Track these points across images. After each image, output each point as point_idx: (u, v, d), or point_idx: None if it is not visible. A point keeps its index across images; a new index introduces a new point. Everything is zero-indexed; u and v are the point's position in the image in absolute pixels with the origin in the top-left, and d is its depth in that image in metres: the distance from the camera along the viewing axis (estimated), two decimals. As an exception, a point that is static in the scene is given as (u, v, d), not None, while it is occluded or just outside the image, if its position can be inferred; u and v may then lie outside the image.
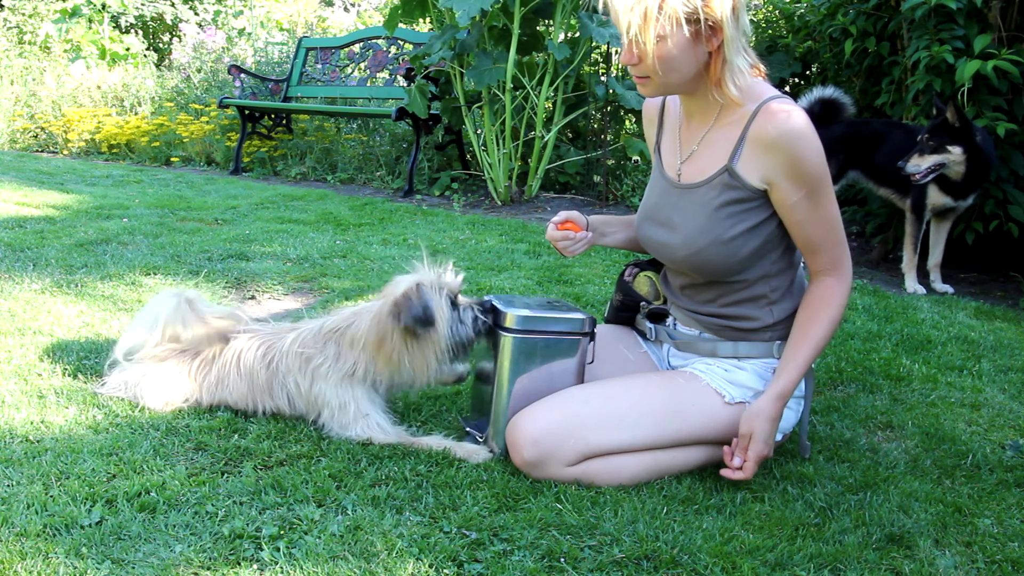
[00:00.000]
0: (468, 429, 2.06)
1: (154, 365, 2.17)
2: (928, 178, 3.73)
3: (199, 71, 9.16)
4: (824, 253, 1.87)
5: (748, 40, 1.81)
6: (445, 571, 1.49)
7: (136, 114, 8.95)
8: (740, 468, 1.81)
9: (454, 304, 2.00)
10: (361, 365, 2.03)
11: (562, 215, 2.08)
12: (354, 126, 7.70)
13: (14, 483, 1.73)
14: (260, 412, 2.12)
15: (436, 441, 1.99)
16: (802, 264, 2.01)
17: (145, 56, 10.60)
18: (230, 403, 2.15)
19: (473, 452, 1.94)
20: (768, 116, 1.79)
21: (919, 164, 3.68)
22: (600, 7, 1.78)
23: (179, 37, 11.08)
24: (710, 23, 1.72)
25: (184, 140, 7.86)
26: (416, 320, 1.94)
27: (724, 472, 1.82)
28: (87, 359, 2.44)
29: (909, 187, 3.95)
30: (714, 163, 1.87)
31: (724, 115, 1.86)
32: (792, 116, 1.77)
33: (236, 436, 2.00)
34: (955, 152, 3.65)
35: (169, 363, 2.18)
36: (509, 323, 1.89)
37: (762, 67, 1.88)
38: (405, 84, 6.30)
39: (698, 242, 1.87)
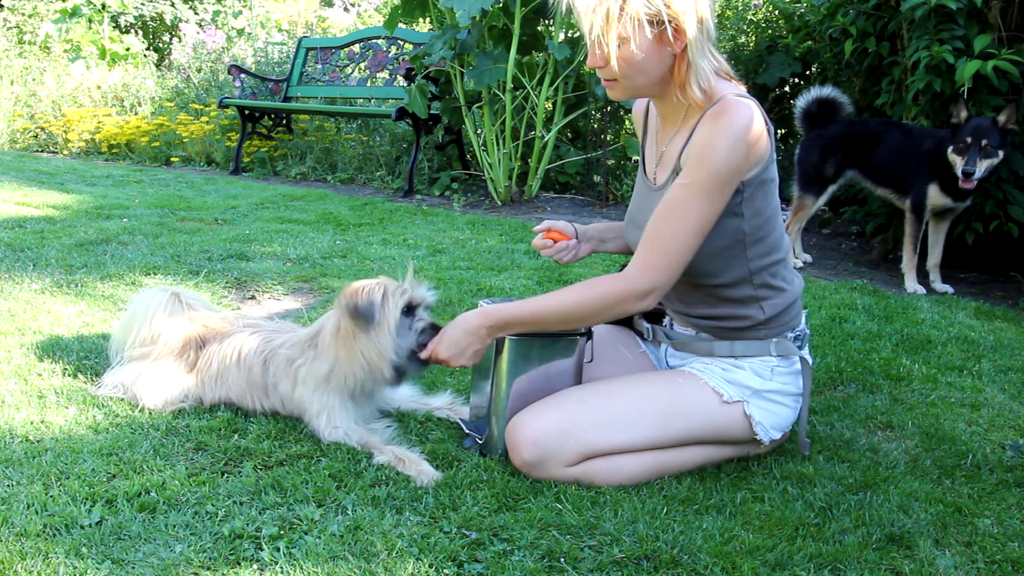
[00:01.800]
0: (467, 431, 2.06)
1: (150, 364, 2.17)
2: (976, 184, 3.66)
3: (199, 71, 9.16)
4: (646, 249, 1.78)
5: (714, 43, 1.79)
6: (445, 571, 1.49)
7: (136, 114, 8.95)
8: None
9: (410, 311, 1.98)
10: (329, 363, 2.02)
11: (544, 224, 2.09)
12: (354, 126, 7.70)
13: (14, 483, 1.73)
14: (260, 410, 2.13)
15: (394, 451, 1.92)
16: (791, 252, 2.00)
17: (145, 56, 10.60)
18: (232, 399, 2.15)
19: (423, 472, 1.84)
20: (716, 107, 1.77)
21: (980, 168, 3.61)
22: (563, 9, 1.76)
23: (179, 37, 11.07)
24: (673, 25, 1.71)
25: (184, 140, 7.86)
26: (355, 312, 1.94)
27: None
28: (87, 359, 2.44)
29: (908, 187, 3.95)
30: (672, 164, 1.87)
31: (689, 116, 1.86)
32: (733, 108, 1.73)
33: (236, 436, 2.00)
34: (1001, 156, 3.64)
35: (165, 362, 2.18)
36: None
37: (729, 69, 1.85)
38: (405, 84, 6.30)
39: None
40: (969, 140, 3.61)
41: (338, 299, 2.01)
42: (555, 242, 2.08)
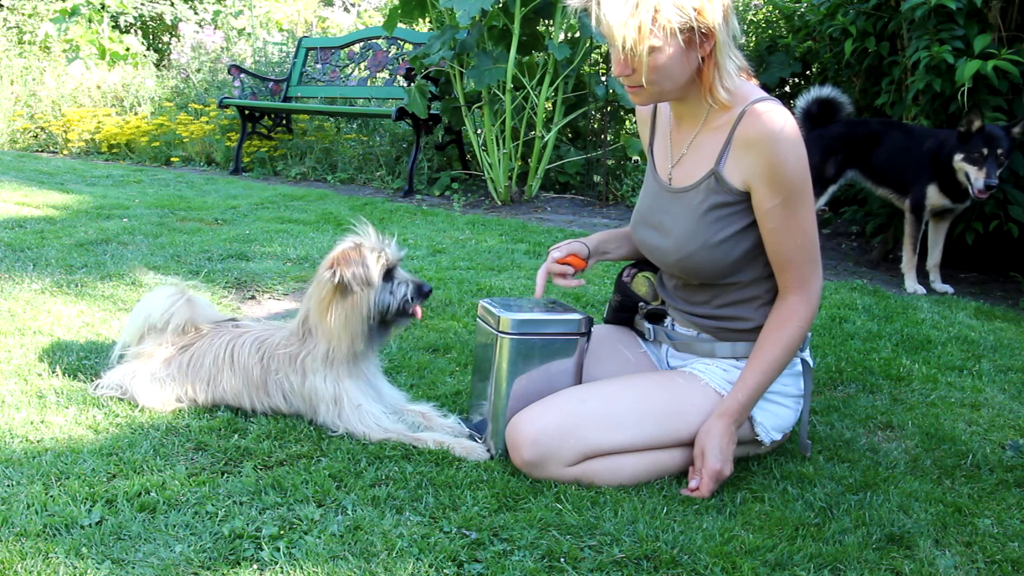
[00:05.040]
0: (468, 430, 2.06)
1: (142, 364, 2.17)
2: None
3: (199, 71, 9.17)
4: (793, 269, 1.83)
5: (737, 43, 1.80)
6: (445, 571, 1.49)
7: (136, 114, 8.96)
8: (697, 488, 1.81)
9: (389, 275, 2.01)
10: (325, 341, 2.03)
11: (565, 249, 2.06)
12: (354, 126, 7.70)
13: (14, 483, 1.73)
14: (257, 410, 2.12)
15: (434, 437, 1.99)
16: None
17: (145, 56, 10.61)
18: (227, 400, 2.14)
19: (471, 449, 1.94)
20: (753, 117, 1.78)
21: (996, 178, 3.59)
22: (592, 23, 1.74)
23: (179, 37, 11.07)
24: (703, 30, 1.71)
25: (184, 140, 7.86)
26: (353, 277, 1.95)
27: (683, 491, 1.82)
28: (87, 359, 2.44)
29: (908, 187, 3.94)
30: (702, 167, 1.87)
31: (712, 118, 1.86)
32: (775, 118, 1.76)
33: (236, 436, 2.00)
34: (1006, 164, 3.63)
35: (156, 360, 2.16)
36: (505, 327, 1.89)
37: (747, 66, 1.87)
38: (405, 84, 6.30)
39: (688, 246, 1.87)
40: (985, 152, 3.57)
41: (321, 271, 2.01)
42: (574, 270, 2.06)
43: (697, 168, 1.88)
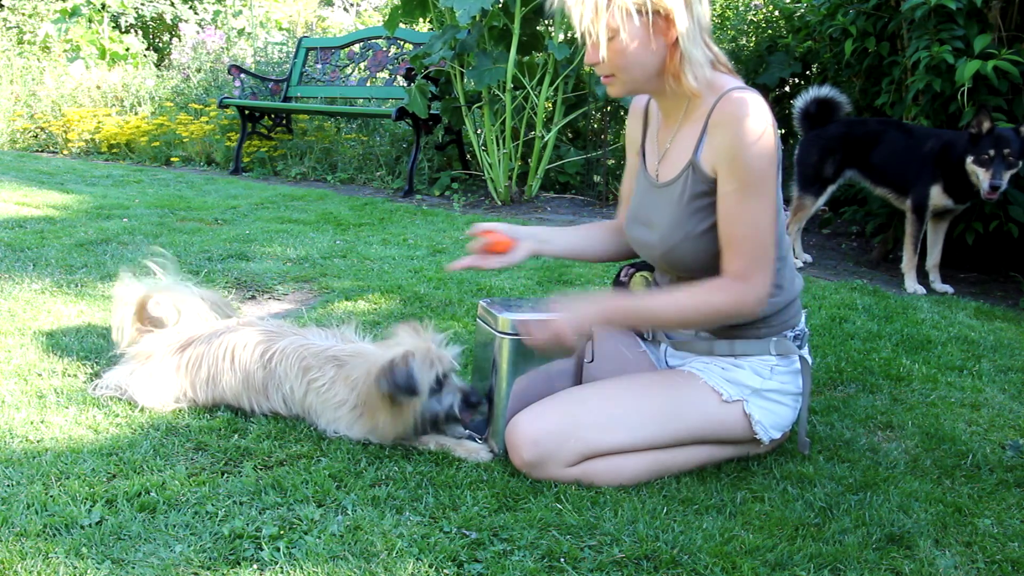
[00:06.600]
0: (468, 431, 2.06)
1: (141, 364, 2.17)
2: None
3: (199, 71, 9.16)
4: (738, 259, 1.78)
5: (709, 33, 1.80)
6: (445, 571, 1.49)
7: (136, 114, 8.95)
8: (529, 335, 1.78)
9: (440, 383, 1.96)
10: (349, 405, 2.00)
11: (487, 226, 2.02)
12: (354, 126, 7.70)
13: (14, 483, 1.73)
14: (255, 412, 2.12)
15: (435, 439, 1.99)
16: (791, 252, 2.00)
17: (145, 56, 10.61)
18: (227, 400, 2.14)
19: (473, 451, 1.94)
20: (725, 102, 1.78)
21: (1003, 179, 3.58)
22: (554, 4, 1.77)
23: (179, 37, 11.08)
24: (663, 14, 1.72)
25: (184, 140, 7.86)
26: (398, 389, 1.90)
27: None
28: (87, 359, 2.44)
29: (908, 187, 3.94)
30: (682, 159, 1.88)
31: (691, 111, 1.87)
32: (747, 103, 1.74)
33: (236, 436, 2.00)
34: (1020, 164, 3.63)
35: (155, 360, 2.16)
36: (505, 327, 1.89)
37: (726, 61, 1.86)
38: (405, 84, 6.30)
39: (672, 238, 1.87)
40: (992, 153, 3.57)
41: (376, 373, 1.94)
42: (492, 243, 1.99)
43: (678, 161, 1.89)
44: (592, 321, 1.81)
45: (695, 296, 1.82)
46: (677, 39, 1.74)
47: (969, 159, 3.65)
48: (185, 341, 2.19)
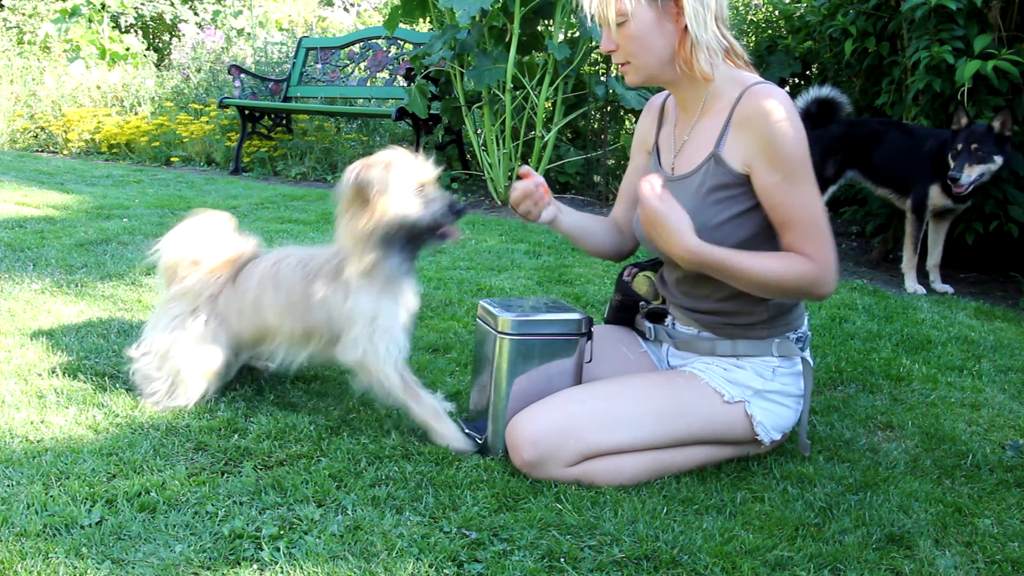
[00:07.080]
0: (468, 431, 2.06)
1: (182, 332, 2.14)
2: (971, 189, 3.67)
3: (199, 71, 9.17)
4: (807, 244, 1.77)
5: (724, 22, 1.81)
6: (445, 571, 1.49)
7: (136, 114, 8.96)
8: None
9: (421, 188, 1.93)
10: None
11: (526, 171, 2.02)
12: (354, 126, 7.70)
13: (14, 483, 1.73)
14: (296, 334, 2.08)
15: (425, 409, 1.98)
16: None
17: (145, 56, 10.61)
18: (269, 324, 2.10)
19: (448, 438, 1.95)
20: (750, 97, 1.79)
21: (970, 175, 3.62)
22: None
23: (179, 37, 11.08)
24: None
25: (184, 140, 7.86)
26: (373, 179, 1.88)
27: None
28: (87, 359, 2.44)
29: (909, 187, 3.94)
30: (702, 151, 1.88)
31: (711, 104, 1.87)
32: (772, 97, 1.76)
33: (236, 436, 2.00)
34: (998, 161, 3.64)
35: (200, 318, 2.14)
36: (505, 327, 1.89)
37: (743, 54, 1.87)
38: (405, 84, 6.30)
39: None
40: (960, 147, 3.63)
41: (345, 174, 1.95)
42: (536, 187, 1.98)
43: (697, 153, 1.89)
44: (686, 248, 1.75)
45: (783, 260, 1.78)
46: (687, 24, 1.76)
47: (949, 155, 3.69)
48: (227, 276, 2.19)
